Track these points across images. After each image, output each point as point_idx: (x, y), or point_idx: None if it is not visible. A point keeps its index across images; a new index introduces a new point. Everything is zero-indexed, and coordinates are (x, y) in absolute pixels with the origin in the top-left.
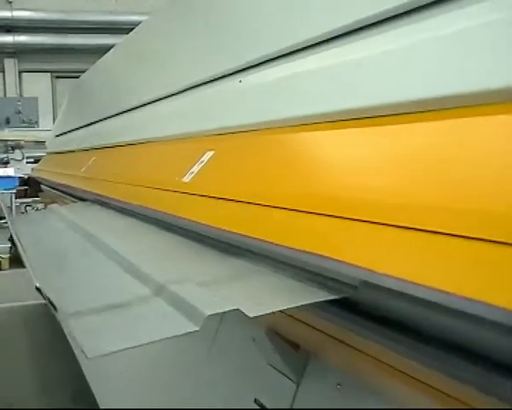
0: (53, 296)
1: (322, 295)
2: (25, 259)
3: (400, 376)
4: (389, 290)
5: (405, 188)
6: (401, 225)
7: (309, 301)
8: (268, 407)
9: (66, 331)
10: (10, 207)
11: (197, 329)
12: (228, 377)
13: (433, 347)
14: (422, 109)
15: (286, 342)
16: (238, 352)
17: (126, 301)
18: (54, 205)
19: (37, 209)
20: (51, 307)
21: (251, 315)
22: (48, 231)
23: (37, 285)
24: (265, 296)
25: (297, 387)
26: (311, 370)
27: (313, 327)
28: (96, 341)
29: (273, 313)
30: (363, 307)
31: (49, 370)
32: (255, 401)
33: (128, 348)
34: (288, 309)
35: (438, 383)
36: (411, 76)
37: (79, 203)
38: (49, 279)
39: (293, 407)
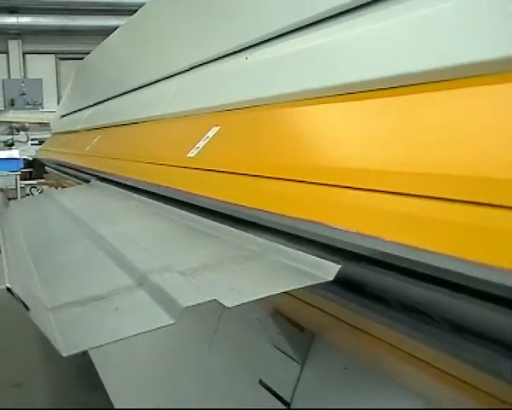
0: (24, 296)
1: (305, 281)
2: (3, 253)
3: (408, 358)
4: (395, 270)
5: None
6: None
7: (290, 288)
8: (273, 388)
9: (40, 328)
10: (16, 189)
11: (174, 322)
12: (233, 358)
13: (441, 328)
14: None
15: (291, 323)
16: (243, 333)
17: (107, 292)
18: (49, 189)
19: (40, 193)
20: (24, 307)
21: (229, 305)
22: (36, 220)
23: (8, 286)
24: (248, 284)
25: (301, 368)
26: (316, 351)
27: (318, 308)
28: (72, 337)
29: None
30: (369, 289)
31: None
32: (260, 381)
33: (105, 343)
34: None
35: (445, 365)
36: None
37: (76, 187)
38: (26, 274)
39: (298, 388)
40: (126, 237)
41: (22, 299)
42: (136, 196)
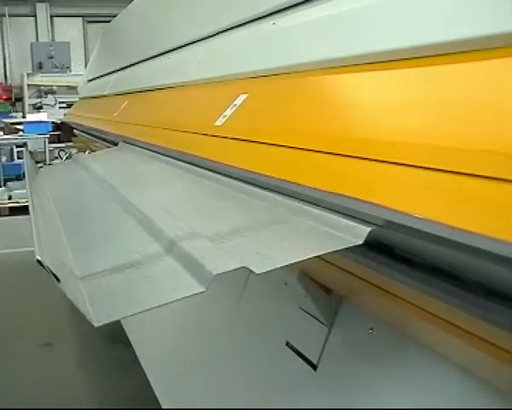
0: (55, 266)
1: (334, 245)
2: (32, 222)
3: (434, 320)
4: (422, 233)
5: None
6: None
7: (320, 253)
8: (300, 350)
9: (71, 298)
10: (44, 152)
11: (203, 290)
12: (260, 320)
13: (469, 290)
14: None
15: (318, 285)
16: (270, 296)
17: (136, 260)
18: (79, 154)
19: (69, 156)
20: (54, 279)
21: (257, 272)
22: (66, 186)
23: (38, 258)
24: (277, 249)
25: (329, 331)
26: (343, 314)
27: (346, 271)
28: (103, 308)
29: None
30: (397, 251)
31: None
32: (287, 344)
33: (135, 313)
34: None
35: (474, 328)
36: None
37: (105, 150)
38: (56, 243)
39: (325, 351)
40: (155, 203)
41: (53, 271)
42: (163, 158)
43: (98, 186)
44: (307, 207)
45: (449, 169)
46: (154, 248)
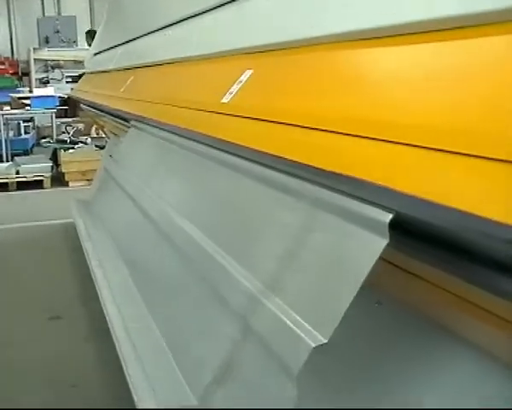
0: None
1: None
2: None
3: (443, 294)
4: (428, 208)
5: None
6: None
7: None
8: None
9: None
10: (51, 127)
11: None
12: None
13: (476, 263)
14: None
15: None
16: None
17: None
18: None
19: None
20: None
21: None
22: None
23: None
24: None
25: None
26: None
27: None
28: None
29: None
30: (405, 225)
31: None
32: None
33: None
34: None
35: (480, 300)
36: None
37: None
38: None
39: None
40: None
41: None
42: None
43: None
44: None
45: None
46: None
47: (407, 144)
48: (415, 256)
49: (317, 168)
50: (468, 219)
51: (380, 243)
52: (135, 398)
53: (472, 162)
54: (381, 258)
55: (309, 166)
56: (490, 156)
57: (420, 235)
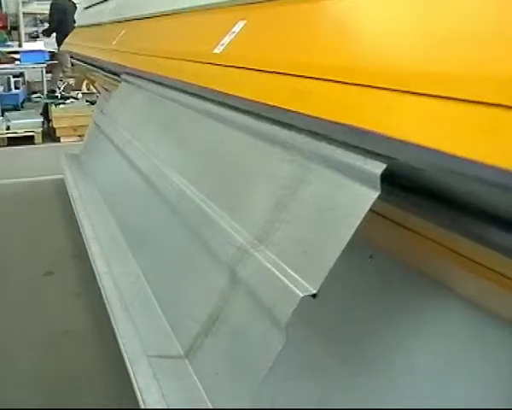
0: None
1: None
2: None
3: (435, 247)
4: (422, 160)
5: None
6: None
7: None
8: None
9: None
10: (42, 82)
11: None
12: None
13: (468, 216)
14: None
15: None
16: None
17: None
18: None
19: (66, 86)
20: None
21: None
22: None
23: None
24: None
25: None
26: None
27: None
28: None
29: None
30: (396, 178)
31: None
32: None
33: None
34: None
35: (473, 253)
36: None
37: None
38: None
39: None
40: None
41: None
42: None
43: None
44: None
45: None
46: None
47: (400, 91)
48: (407, 209)
49: (309, 116)
50: (458, 162)
51: (371, 194)
52: (122, 347)
53: (464, 107)
54: (374, 212)
55: (300, 113)
56: (482, 101)
57: (411, 187)
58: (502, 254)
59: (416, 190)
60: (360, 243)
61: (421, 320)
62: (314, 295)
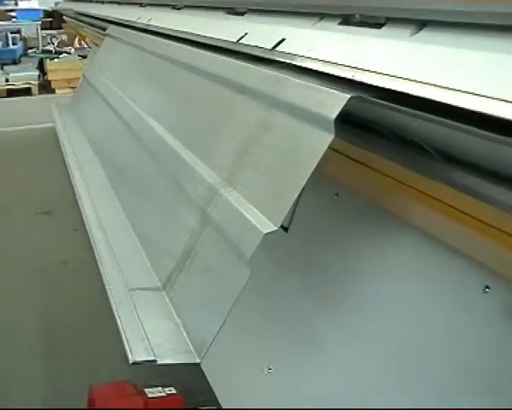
0: None
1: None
2: None
3: (397, 185)
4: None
5: None
6: None
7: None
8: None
9: None
10: (37, 38)
11: None
12: None
13: (429, 156)
14: None
15: None
16: None
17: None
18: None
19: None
20: None
21: None
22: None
23: None
24: None
25: (298, 199)
26: (311, 180)
27: None
28: None
29: None
30: (359, 120)
31: None
32: None
33: None
34: None
35: (434, 191)
36: None
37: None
38: None
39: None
40: None
41: None
42: None
43: None
44: None
45: None
46: None
47: None
48: (369, 149)
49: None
50: None
51: (326, 137)
52: (106, 278)
53: None
54: (339, 153)
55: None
56: None
57: (373, 129)
58: (457, 189)
59: (376, 131)
60: (327, 183)
61: (381, 252)
62: (286, 230)
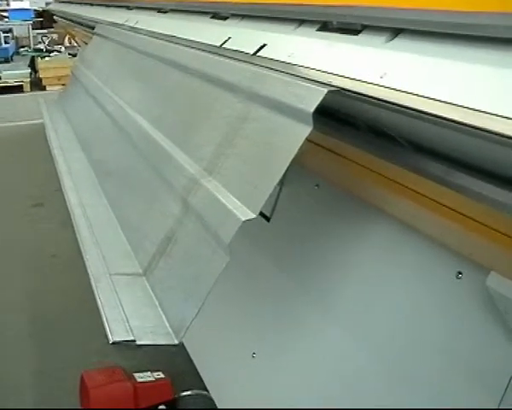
0: None
1: None
2: None
3: (374, 176)
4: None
5: None
6: None
7: None
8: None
9: None
10: (28, 37)
11: None
12: None
13: (404, 148)
14: None
15: None
16: None
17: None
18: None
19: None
20: None
21: None
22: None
23: None
24: None
25: (280, 189)
26: (291, 171)
27: None
28: None
29: None
30: (339, 114)
31: None
32: None
33: None
34: None
35: (408, 181)
36: None
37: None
38: None
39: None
40: None
41: None
42: None
43: None
44: None
45: None
46: None
47: None
48: (347, 142)
49: None
50: None
51: (305, 130)
52: (89, 265)
53: None
54: (319, 145)
55: None
56: None
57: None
58: (429, 179)
59: (354, 124)
60: (308, 174)
61: (358, 239)
62: (268, 219)
